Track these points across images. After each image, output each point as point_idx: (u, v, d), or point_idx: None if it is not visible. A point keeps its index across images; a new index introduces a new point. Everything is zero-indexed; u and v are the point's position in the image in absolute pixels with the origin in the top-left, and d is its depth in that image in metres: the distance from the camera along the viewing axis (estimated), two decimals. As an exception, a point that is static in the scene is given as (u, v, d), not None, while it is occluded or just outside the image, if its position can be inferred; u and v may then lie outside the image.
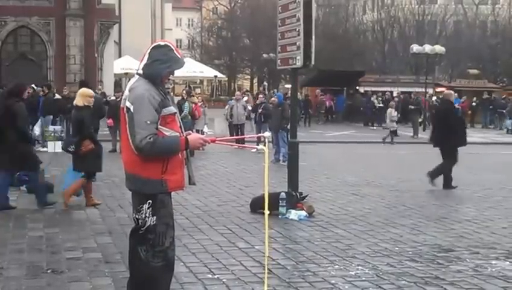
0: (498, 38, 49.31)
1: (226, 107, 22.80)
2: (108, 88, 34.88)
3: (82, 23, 33.06)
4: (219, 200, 10.69)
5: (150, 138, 4.37)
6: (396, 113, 25.56)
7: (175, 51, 4.61)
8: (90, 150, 9.65)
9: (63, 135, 18.56)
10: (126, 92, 4.57)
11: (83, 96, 9.91)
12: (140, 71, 4.59)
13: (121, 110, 4.59)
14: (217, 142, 5.19)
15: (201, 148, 4.91)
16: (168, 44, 4.67)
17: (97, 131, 12.65)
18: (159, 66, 4.54)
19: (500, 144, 26.04)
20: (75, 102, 9.99)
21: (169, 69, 4.61)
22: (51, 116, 19.64)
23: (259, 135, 5.89)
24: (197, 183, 5.10)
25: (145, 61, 4.58)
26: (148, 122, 4.40)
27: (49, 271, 6.31)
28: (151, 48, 4.63)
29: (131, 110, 4.43)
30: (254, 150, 4.18)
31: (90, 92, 10.33)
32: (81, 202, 9.98)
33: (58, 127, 19.20)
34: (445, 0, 54.05)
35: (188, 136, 4.60)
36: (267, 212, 5.28)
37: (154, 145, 4.38)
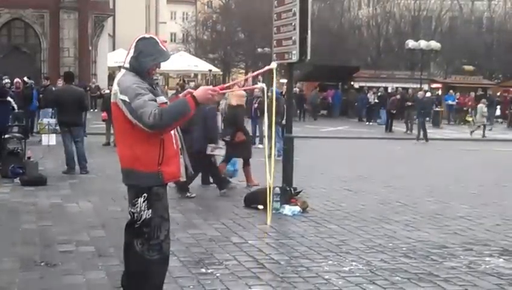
0: (493, 34, 49.32)
1: (221, 101, 22.67)
2: (102, 81, 34.81)
3: (76, 16, 32.95)
4: (213, 194, 10.67)
5: (155, 111, 4.29)
6: (486, 109, 25.34)
7: (160, 44, 4.59)
8: (243, 140, 11.33)
9: (57, 128, 18.42)
10: (115, 87, 4.52)
11: (236, 97, 11.47)
12: (127, 65, 4.55)
13: (112, 105, 4.54)
14: (224, 89, 5.25)
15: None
16: (154, 37, 4.66)
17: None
18: (145, 59, 4.51)
19: (494, 140, 26.08)
20: (228, 101, 11.71)
21: (155, 61, 4.56)
22: (50, 109, 19.54)
23: (255, 87, 6.10)
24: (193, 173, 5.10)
25: (131, 54, 4.54)
26: (147, 99, 4.34)
27: (42, 264, 6.28)
28: (136, 40, 4.59)
29: (127, 100, 4.38)
30: (261, 79, 4.16)
31: (243, 93, 12.00)
32: (79, 197, 9.95)
33: (52, 120, 19.07)
34: (441, -5, 54.06)
35: (193, 92, 4.49)
36: (269, 201, 5.26)
37: (162, 116, 4.29)
